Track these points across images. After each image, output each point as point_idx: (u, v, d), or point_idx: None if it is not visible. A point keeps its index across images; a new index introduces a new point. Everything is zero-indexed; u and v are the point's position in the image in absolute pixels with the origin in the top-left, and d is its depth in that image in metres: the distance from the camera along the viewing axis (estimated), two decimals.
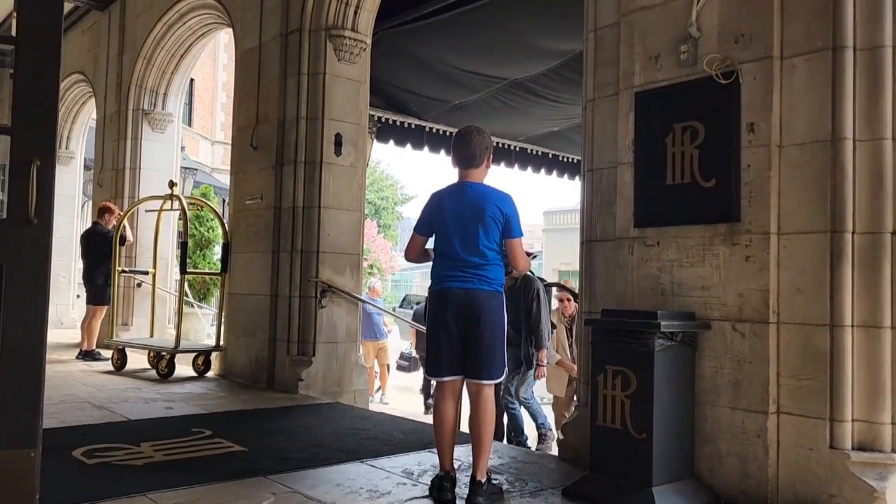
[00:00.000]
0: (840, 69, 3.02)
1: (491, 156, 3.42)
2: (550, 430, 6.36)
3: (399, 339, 19.12)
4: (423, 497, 3.23)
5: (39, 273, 2.68)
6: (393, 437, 4.40)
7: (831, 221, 3.01)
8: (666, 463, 3.14)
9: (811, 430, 3.01)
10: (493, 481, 3.26)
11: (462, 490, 3.20)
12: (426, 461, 3.87)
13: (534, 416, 6.44)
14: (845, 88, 3.01)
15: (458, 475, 3.28)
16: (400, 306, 21.12)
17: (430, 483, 3.28)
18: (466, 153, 3.31)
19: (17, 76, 2.66)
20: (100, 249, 7.83)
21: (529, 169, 10.55)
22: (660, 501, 3.02)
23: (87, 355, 7.80)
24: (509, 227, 3.22)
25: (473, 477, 3.14)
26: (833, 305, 2.99)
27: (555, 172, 10.84)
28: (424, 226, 3.36)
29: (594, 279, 3.95)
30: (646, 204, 3.57)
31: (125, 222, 7.72)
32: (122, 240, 7.67)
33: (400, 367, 12.20)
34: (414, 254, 3.46)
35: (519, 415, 6.33)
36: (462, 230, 3.20)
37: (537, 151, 10.40)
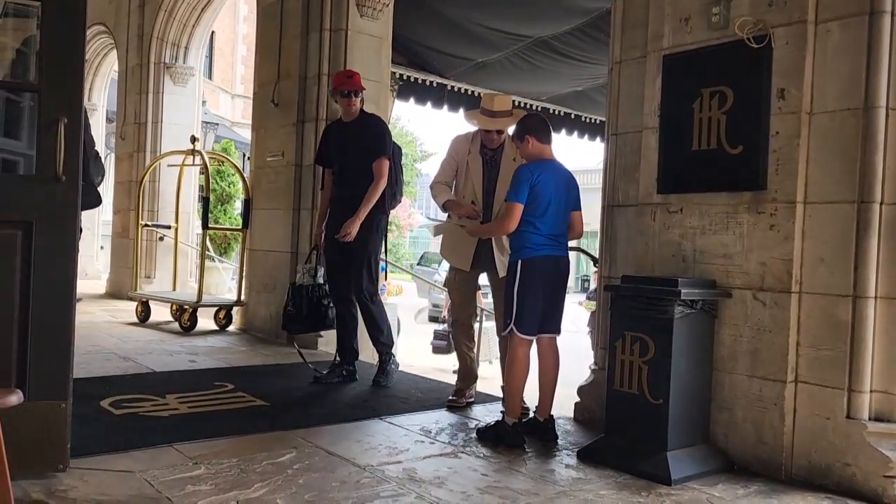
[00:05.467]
0: (876, 35, 2.94)
1: None
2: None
3: (416, 297, 19.19)
4: (441, 455, 3.30)
5: (68, 229, 2.74)
6: (411, 396, 4.47)
7: (859, 191, 2.97)
8: (681, 428, 3.17)
9: (828, 400, 3.02)
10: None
11: None
12: (443, 419, 3.94)
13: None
14: (881, 55, 2.94)
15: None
16: (418, 264, 21.19)
17: (503, 430, 3.51)
18: (549, 131, 3.74)
19: (43, 34, 2.67)
20: None
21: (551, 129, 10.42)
22: (674, 465, 3.06)
23: None
24: (578, 201, 3.73)
25: (551, 416, 3.66)
26: (857, 276, 2.97)
27: (576, 133, 10.70)
28: (526, 197, 3.52)
29: (615, 244, 3.94)
30: (670, 170, 3.53)
31: None
32: None
33: (437, 349, 9.82)
34: (517, 223, 3.56)
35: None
36: (558, 204, 3.58)
37: (560, 112, 10.25)
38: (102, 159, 4.75)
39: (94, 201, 3.89)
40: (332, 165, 4.87)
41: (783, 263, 3.12)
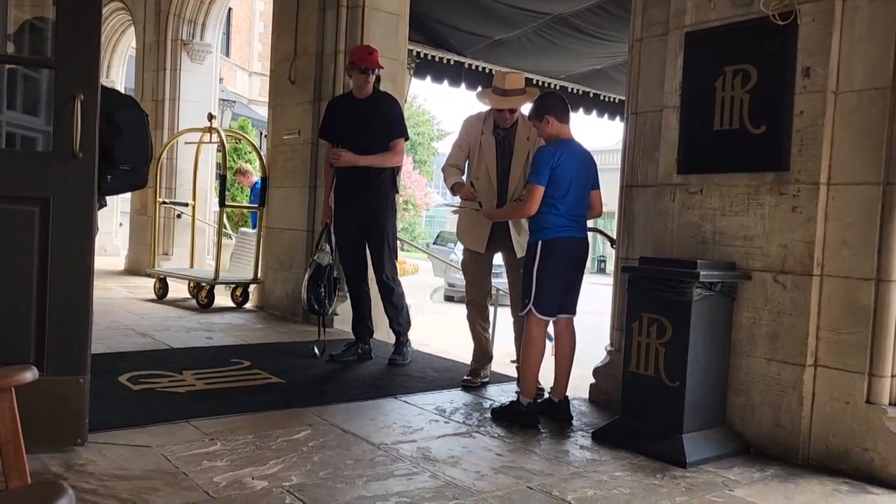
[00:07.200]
0: None
1: None
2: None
3: (432, 276, 19.16)
4: (455, 434, 3.31)
5: (85, 205, 2.75)
6: (426, 375, 4.47)
7: (885, 173, 2.91)
8: (697, 411, 3.15)
9: (848, 384, 2.98)
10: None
11: None
12: (458, 399, 3.95)
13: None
14: None
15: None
16: (434, 243, 21.17)
17: (518, 411, 3.51)
18: (567, 110, 3.68)
19: (59, 8, 2.65)
20: None
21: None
22: (689, 448, 3.04)
23: None
24: (597, 179, 3.71)
25: (566, 397, 3.66)
26: (880, 259, 2.92)
27: (594, 112, 10.57)
28: (547, 179, 3.50)
29: (633, 225, 3.89)
30: (691, 149, 3.48)
31: None
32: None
33: None
34: (538, 206, 3.53)
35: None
36: (579, 185, 3.56)
37: (578, 90, 10.12)
38: None
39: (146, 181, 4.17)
40: (336, 140, 4.79)
41: (805, 246, 3.07)
